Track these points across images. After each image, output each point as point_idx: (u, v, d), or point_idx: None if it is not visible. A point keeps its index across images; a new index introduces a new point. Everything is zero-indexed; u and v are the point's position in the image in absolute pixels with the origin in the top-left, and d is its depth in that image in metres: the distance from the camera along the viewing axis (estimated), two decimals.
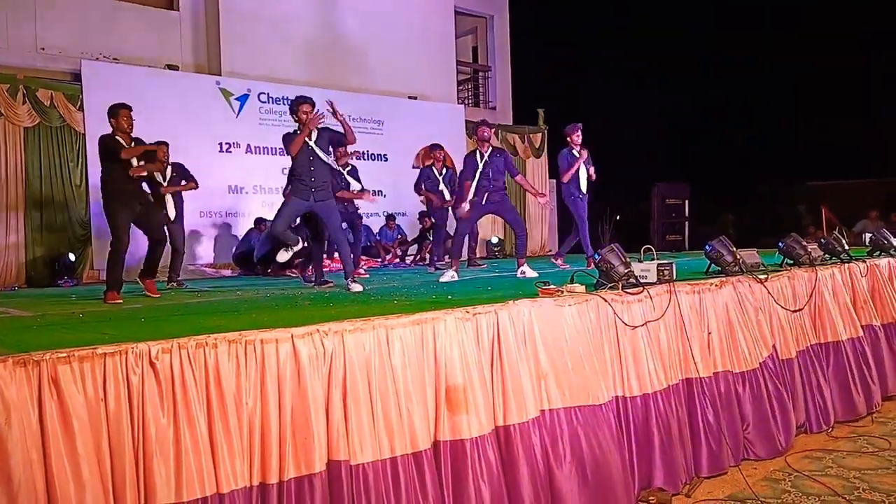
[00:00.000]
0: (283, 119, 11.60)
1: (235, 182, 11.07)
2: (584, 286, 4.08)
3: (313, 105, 5.85)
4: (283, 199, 6.21)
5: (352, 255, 6.45)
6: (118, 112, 5.77)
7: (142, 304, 5.24)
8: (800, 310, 5.28)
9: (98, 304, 5.34)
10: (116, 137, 5.73)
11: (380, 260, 11.41)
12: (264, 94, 11.42)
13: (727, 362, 4.55)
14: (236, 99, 11.11)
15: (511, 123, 15.50)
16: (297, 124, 5.87)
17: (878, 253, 6.96)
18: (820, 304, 5.50)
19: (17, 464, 2.25)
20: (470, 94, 16.07)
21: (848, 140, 19.44)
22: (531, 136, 15.24)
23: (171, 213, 7.72)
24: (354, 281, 5.76)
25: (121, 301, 5.44)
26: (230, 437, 2.65)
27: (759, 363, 4.72)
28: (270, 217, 10.52)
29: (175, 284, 7.62)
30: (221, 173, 10.79)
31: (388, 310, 3.57)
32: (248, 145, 11.22)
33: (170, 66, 10.73)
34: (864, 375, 5.63)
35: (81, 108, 9.57)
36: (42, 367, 2.34)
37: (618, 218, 7.99)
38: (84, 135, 9.56)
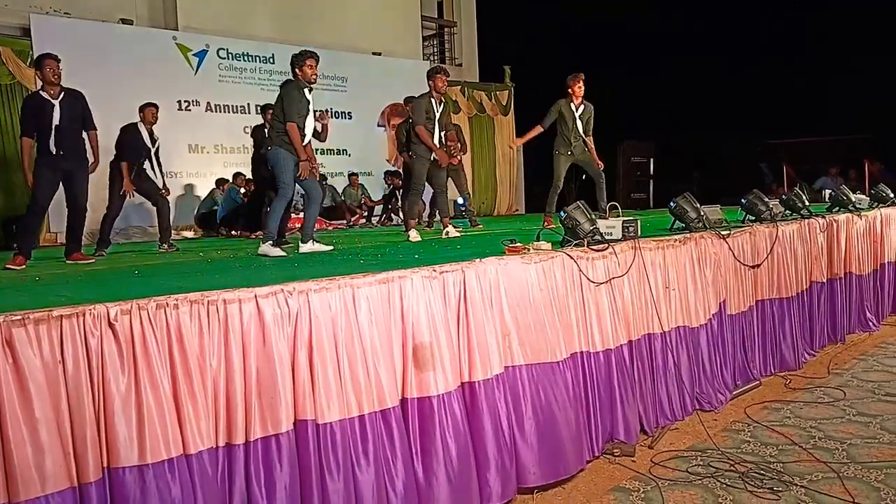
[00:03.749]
0: (243, 76, 11.35)
1: (195, 141, 10.84)
2: (550, 244, 4.09)
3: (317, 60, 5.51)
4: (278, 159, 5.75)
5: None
6: (41, 62, 5.46)
7: (101, 266, 5.13)
8: (758, 265, 5.38)
9: (56, 267, 5.21)
10: (41, 93, 5.46)
11: (345, 221, 11.31)
12: (223, 49, 11.12)
13: (685, 317, 4.64)
14: (194, 55, 10.81)
15: (477, 80, 15.36)
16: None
17: (837, 209, 7.11)
18: (779, 259, 5.62)
19: None
20: (435, 50, 15.84)
21: (809, 98, 19.66)
22: (498, 93, 15.14)
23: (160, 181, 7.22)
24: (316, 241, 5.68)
25: (23, 268, 5.13)
26: (195, 398, 2.62)
27: (708, 318, 4.84)
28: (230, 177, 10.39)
29: (167, 247, 7.08)
30: (180, 132, 10.54)
31: (354, 269, 3.54)
32: (208, 103, 10.96)
33: (124, 21, 10.35)
34: (809, 328, 5.98)
35: (32, 65, 9.19)
36: None
37: (584, 177, 7.79)
38: None
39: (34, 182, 5.47)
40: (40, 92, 5.55)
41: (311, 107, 5.45)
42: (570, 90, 7.14)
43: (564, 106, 7.14)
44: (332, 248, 5.54)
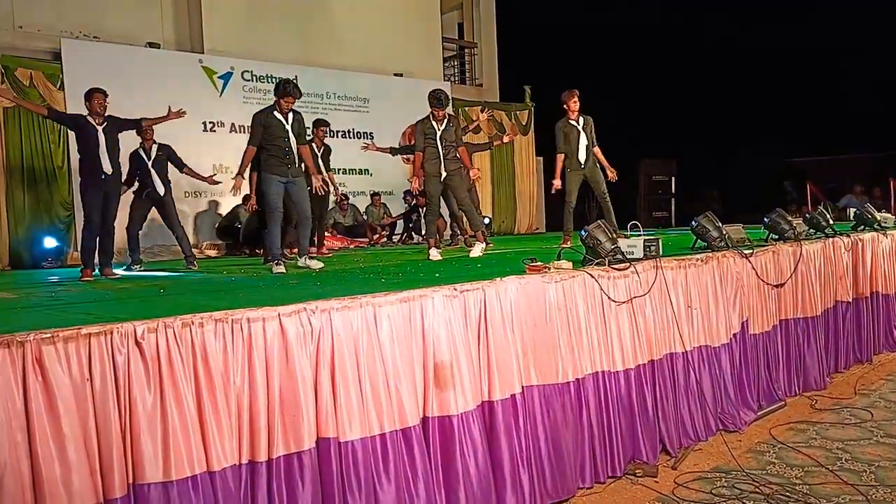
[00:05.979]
0: (267, 97, 11.48)
1: (220, 161, 10.97)
2: (571, 262, 4.09)
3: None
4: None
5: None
6: (91, 95, 6.08)
7: (127, 285, 5.21)
8: (781, 285, 5.33)
9: (83, 286, 5.30)
10: (87, 118, 6.05)
11: (367, 240, 11.37)
12: (248, 72, 11.28)
13: (707, 336, 4.60)
14: (220, 77, 10.97)
15: (498, 101, 15.42)
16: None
17: (861, 227, 7.03)
18: (803, 278, 5.56)
19: (3, 445, 2.24)
20: (456, 70, 15.94)
21: (833, 116, 19.52)
22: (518, 113, 15.17)
23: (161, 190, 7.28)
24: (312, 258, 6.05)
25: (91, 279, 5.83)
26: (219, 416, 2.65)
27: (731, 337, 4.80)
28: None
29: (186, 265, 7.16)
30: (206, 153, 10.68)
31: (376, 287, 3.57)
32: (233, 124, 11.10)
33: (151, 45, 10.56)
34: (834, 348, 5.92)
35: (62, 88, 9.40)
36: (26, 347, 2.32)
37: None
38: None
39: (86, 201, 6.07)
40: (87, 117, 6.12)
41: (287, 126, 5.89)
42: (565, 106, 7.24)
43: (565, 124, 7.23)
44: (322, 265, 5.95)
